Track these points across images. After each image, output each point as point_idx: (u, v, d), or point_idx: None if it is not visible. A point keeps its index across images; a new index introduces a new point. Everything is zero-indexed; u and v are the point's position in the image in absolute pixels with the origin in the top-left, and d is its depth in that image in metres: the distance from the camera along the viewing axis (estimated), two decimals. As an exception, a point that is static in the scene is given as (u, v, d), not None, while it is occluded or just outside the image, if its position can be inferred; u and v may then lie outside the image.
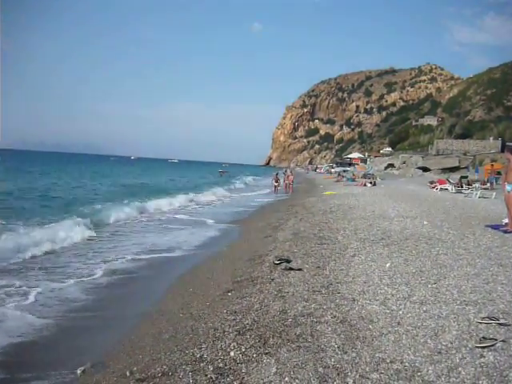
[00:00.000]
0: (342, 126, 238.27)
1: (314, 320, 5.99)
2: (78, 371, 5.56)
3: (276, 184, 40.30)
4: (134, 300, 8.99)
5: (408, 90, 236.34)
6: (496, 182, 33.75)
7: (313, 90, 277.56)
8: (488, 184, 32.17)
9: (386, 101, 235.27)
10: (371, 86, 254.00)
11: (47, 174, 59.74)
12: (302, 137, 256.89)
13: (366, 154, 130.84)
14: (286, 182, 40.77)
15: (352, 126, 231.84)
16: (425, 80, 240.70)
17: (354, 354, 4.93)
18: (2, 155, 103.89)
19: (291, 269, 8.90)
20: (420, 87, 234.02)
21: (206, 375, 4.81)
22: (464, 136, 79.08)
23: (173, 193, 34.09)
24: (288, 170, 49.69)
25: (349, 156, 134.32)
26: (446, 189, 30.90)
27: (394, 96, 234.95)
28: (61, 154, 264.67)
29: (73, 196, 31.79)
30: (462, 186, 30.26)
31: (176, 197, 30.44)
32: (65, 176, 58.39)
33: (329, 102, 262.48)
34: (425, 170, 59.48)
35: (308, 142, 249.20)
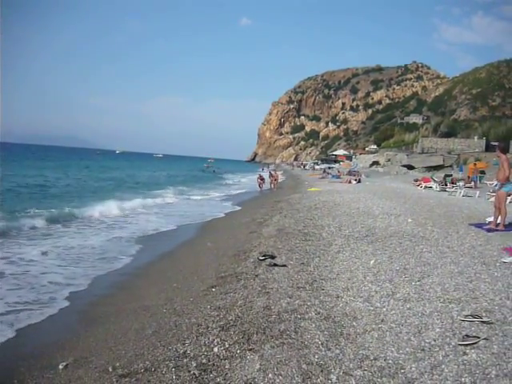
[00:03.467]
0: (327, 123, 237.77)
1: (298, 316, 5.99)
2: (60, 366, 5.51)
3: (261, 181, 40.02)
4: (116, 295, 8.92)
5: (394, 88, 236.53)
6: (480, 180, 33.96)
7: (299, 87, 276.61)
8: (472, 183, 32.32)
9: (372, 98, 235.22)
10: (357, 83, 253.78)
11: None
12: (287, 133, 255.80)
13: (352, 151, 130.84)
14: (271, 179, 40.60)
15: (338, 123, 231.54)
16: (411, 78, 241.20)
17: (337, 351, 4.94)
18: None
19: (275, 265, 8.89)
20: (406, 85, 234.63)
21: (190, 371, 4.79)
22: (449, 135, 79.43)
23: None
24: (272, 168, 50.86)
25: (334, 153, 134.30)
26: (431, 187, 31.02)
27: (380, 94, 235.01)
28: (45, 148, 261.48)
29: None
30: (446, 185, 30.36)
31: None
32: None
33: (315, 99, 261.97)
34: (409, 167, 59.73)
35: (294, 138, 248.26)
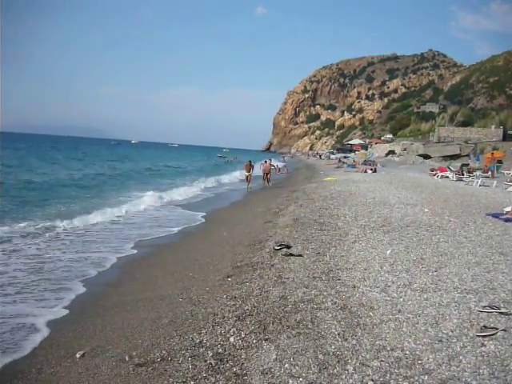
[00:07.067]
0: (343, 112, 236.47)
1: (315, 306, 5.97)
2: (77, 355, 5.55)
3: (247, 174, 30.24)
4: (134, 284, 8.96)
5: (410, 77, 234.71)
6: (497, 170, 33.60)
7: (314, 76, 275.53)
8: (489, 172, 31.99)
9: (388, 87, 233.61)
10: (373, 72, 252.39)
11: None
12: (302, 122, 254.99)
13: (367, 140, 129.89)
14: (262, 173, 32.17)
15: (353, 112, 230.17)
16: (427, 67, 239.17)
17: (354, 342, 4.91)
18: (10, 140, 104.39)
19: (291, 254, 8.87)
20: (422, 74, 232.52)
21: (206, 361, 4.80)
22: (466, 124, 78.56)
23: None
24: (288, 157, 44.52)
25: (350, 142, 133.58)
26: (447, 176, 30.83)
27: (395, 82, 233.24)
28: (61, 138, 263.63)
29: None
30: (462, 174, 30.13)
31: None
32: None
33: (330, 88, 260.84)
34: (426, 157, 59.20)
35: (309, 127, 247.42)
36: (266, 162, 33.17)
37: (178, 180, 37.14)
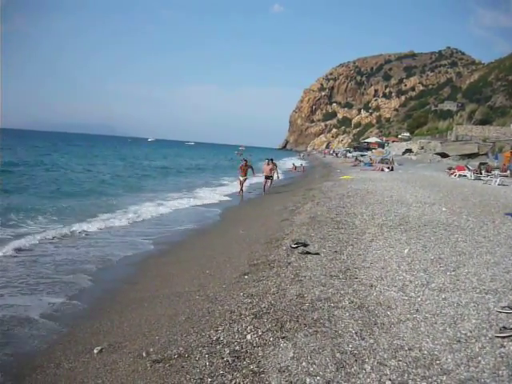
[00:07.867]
0: (359, 110, 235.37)
1: (332, 305, 5.96)
2: (95, 351, 5.59)
3: (242, 179, 25.29)
4: (151, 281, 9.01)
5: (428, 75, 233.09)
6: (516, 169, 33.18)
7: (331, 73, 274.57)
8: (508, 171, 31.62)
9: (405, 85, 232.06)
10: (390, 69, 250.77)
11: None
12: (319, 120, 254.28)
13: (384, 138, 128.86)
14: (265, 174, 26.05)
15: (370, 110, 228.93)
16: (445, 64, 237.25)
17: (371, 341, 4.90)
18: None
19: (308, 253, 8.85)
20: (440, 72, 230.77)
21: (223, 358, 4.80)
22: (484, 122, 77.69)
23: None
24: (303, 155, 40.37)
25: (366, 140, 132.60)
26: (465, 175, 30.52)
27: (413, 80, 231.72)
28: (76, 136, 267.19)
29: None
30: (480, 173, 29.85)
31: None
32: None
33: (347, 86, 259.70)
34: (443, 155, 58.65)
35: (325, 125, 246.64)
36: (269, 162, 26.61)
37: (208, 179, 38.05)
